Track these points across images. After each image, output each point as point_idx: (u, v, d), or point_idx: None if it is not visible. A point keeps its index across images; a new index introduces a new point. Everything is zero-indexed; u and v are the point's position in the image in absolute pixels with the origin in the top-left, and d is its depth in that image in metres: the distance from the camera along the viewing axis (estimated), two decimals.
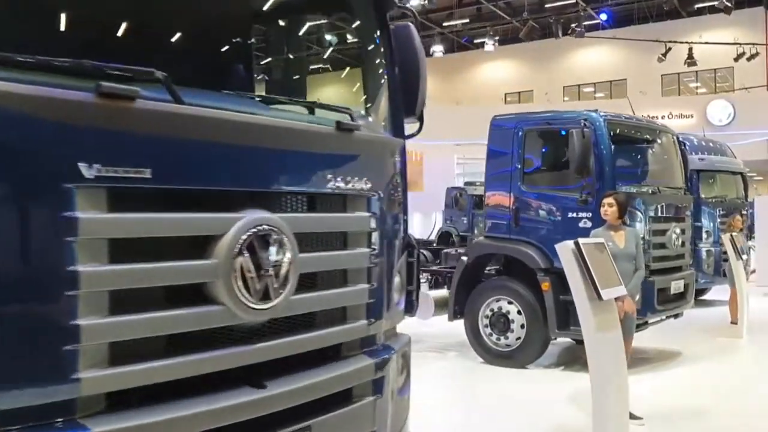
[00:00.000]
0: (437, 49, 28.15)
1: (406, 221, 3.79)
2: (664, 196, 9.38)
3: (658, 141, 10.10)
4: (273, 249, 2.65)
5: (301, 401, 2.79)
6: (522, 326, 9.09)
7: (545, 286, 8.85)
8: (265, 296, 2.62)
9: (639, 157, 10.11)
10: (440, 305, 10.00)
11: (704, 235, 15.05)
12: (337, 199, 3.13)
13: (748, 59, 26.56)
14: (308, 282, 2.94)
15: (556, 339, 9.25)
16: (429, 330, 11.32)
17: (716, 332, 11.91)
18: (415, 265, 3.84)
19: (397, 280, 3.63)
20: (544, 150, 9.38)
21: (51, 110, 2.11)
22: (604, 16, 27.95)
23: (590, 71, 40.20)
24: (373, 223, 3.31)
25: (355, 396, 3.14)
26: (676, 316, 9.91)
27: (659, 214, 9.18)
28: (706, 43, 27.71)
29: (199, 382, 2.49)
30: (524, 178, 9.28)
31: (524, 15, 25.73)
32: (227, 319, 2.56)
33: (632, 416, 6.47)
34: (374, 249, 3.30)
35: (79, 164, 2.15)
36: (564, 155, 8.76)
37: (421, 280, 10.53)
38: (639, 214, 8.82)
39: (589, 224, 8.62)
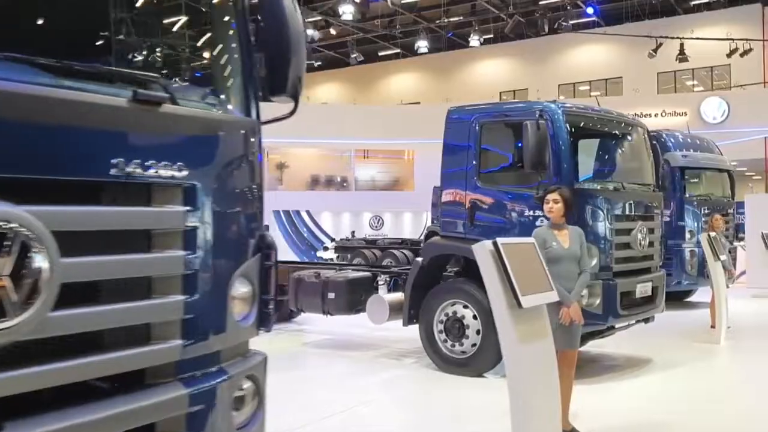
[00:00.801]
0: (422, 44, 27.39)
1: (256, 217, 3.22)
2: (629, 193, 8.78)
3: (626, 135, 9.50)
4: (12, 251, 2.08)
5: None
6: (478, 332, 8.51)
7: None
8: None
9: (603, 151, 9.51)
10: (396, 309, 9.42)
11: (687, 235, 14.47)
12: (133, 189, 2.55)
13: (742, 55, 25.92)
14: (87, 294, 2.37)
15: None
16: (388, 335, 10.79)
17: (694, 337, 11.33)
18: (273, 271, 3.26)
19: (244, 289, 3.06)
20: (501, 144, 8.79)
21: None
22: (590, 10, 27.25)
23: (586, 69, 39.59)
24: (192, 220, 2.73)
25: None
26: (646, 320, 9.31)
27: (623, 212, 8.58)
28: (698, 38, 27.06)
29: None
30: (481, 174, 8.70)
31: (510, 9, 25.08)
32: None
33: None
34: (195, 252, 2.72)
35: None
36: (521, 149, 8.17)
37: (379, 282, 10.03)
38: (600, 212, 8.22)
39: (546, 223, 8.04)
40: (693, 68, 36.90)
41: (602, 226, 8.21)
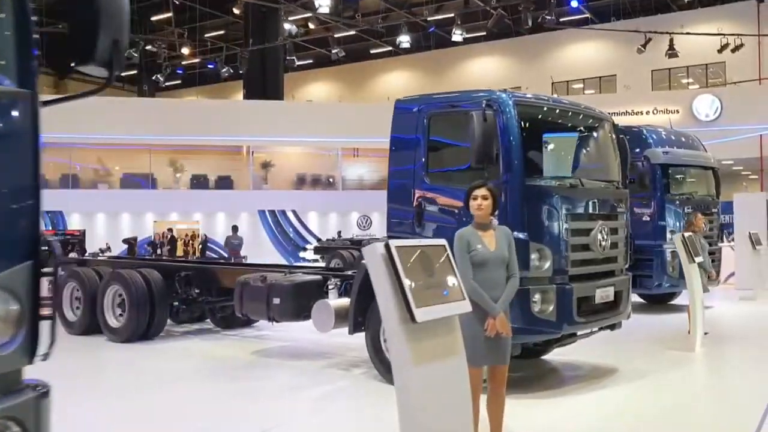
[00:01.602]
0: (405, 39, 26.66)
1: (25, 214, 2.56)
2: (588, 191, 8.09)
3: (589, 129, 8.82)
4: None
5: None
6: None
7: None
8: None
9: (561, 146, 8.81)
10: (343, 316, 8.75)
11: (669, 235, 13.77)
12: None
13: (733, 50, 25.20)
14: None
15: None
16: (348, 342, 10.05)
17: (669, 343, 10.64)
18: (53, 282, 2.60)
19: (2, 306, 2.40)
20: (450, 138, 8.11)
21: None
22: (575, 3, 26.53)
23: (580, 67, 38.97)
24: None
25: None
26: (612, 327, 8.63)
27: (582, 211, 7.90)
28: (687, 33, 26.35)
29: None
30: (429, 171, 8.03)
31: (493, 2, 24.34)
32: None
33: None
34: None
35: None
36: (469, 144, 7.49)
37: (329, 287, 9.35)
38: (554, 211, 7.55)
39: (496, 223, 7.37)
40: (688, 66, 36.29)
41: (556, 226, 7.53)
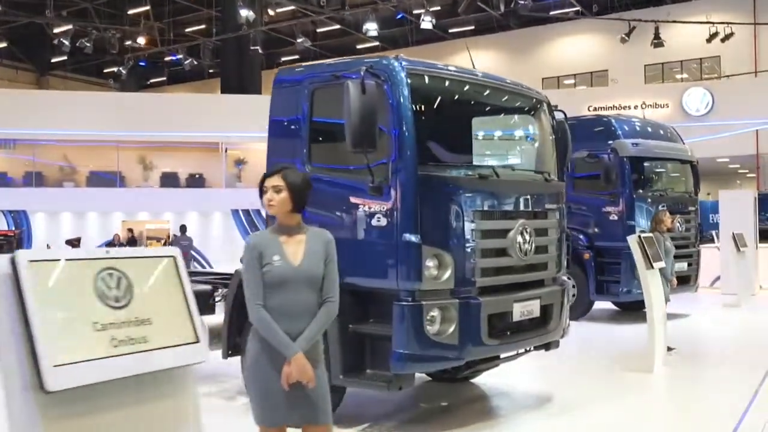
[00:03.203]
0: (372, 27, 24.93)
1: None
2: (505, 183, 6.50)
3: (514, 109, 7.24)
4: None
5: None
6: None
7: None
8: None
9: (475, 128, 7.20)
10: (219, 335, 7.18)
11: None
12: None
13: (723, 40, 23.47)
14: None
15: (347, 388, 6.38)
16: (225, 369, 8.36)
17: (628, 362, 9.03)
18: None
19: None
20: (336, 117, 6.49)
21: None
22: None
23: (571, 62, 37.29)
24: None
25: None
26: (546, 347, 7.05)
27: (495, 207, 6.30)
28: (674, 21, 24.63)
29: None
30: (312, 158, 6.45)
31: None
32: None
33: None
34: None
35: None
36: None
37: (216, 299, 7.88)
38: (456, 207, 5.97)
39: (383, 221, 5.83)
40: (682, 60, 34.57)
41: (461, 226, 5.95)
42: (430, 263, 5.78)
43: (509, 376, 8.01)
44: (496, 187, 6.36)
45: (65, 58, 37.36)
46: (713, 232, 20.44)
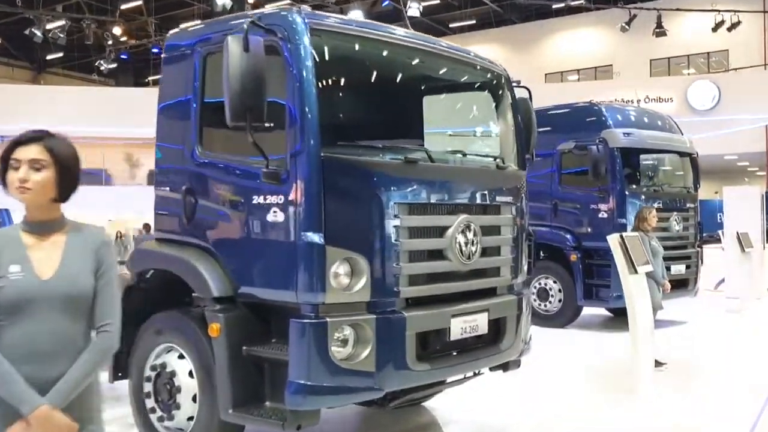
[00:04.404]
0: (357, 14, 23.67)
1: None
2: (440, 169, 5.24)
3: (456, 80, 5.97)
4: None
5: None
6: (194, 398, 5.09)
7: (214, 330, 4.83)
8: None
9: (406, 103, 5.91)
10: None
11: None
12: None
13: (729, 29, 22.02)
14: None
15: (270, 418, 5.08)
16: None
17: (611, 379, 7.78)
18: None
19: None
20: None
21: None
22: None
23: (574, 58, 35.95)
24: None
25: None
26: (504, 368, 5.80)
27: (428, 199, 5.03)
28: (677, 9, 23.19)
29: None
30: (204, 138, 5.20)
31: None
32: None
33: None
34: None
35: None
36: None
37: None
38: (373, 198, 4.71)
39: (280, 216, 4.58)
40: (688, 54, 33.16)
41: (379, 223, 4.68)
42: (338, 269, 4.53)
43: (467, 398, 6.76)
44: (430, 175, 5.09)
45: (61, 55, 36.43)
46: (720, 232, 19.12)
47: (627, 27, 22.18)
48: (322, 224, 4.48)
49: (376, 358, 4.61)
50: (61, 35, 22.73)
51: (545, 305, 11.67)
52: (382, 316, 4.67)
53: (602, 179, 10.92)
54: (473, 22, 35.61)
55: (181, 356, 5.15)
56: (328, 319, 4.48)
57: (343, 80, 5.05)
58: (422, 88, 5.90)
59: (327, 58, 4.77)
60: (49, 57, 37.96)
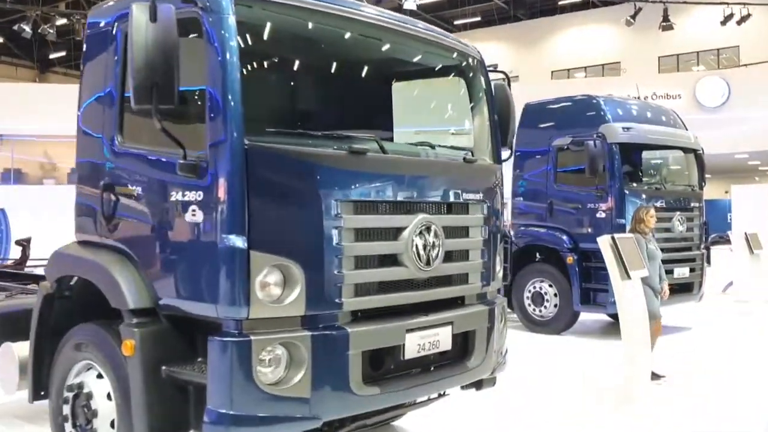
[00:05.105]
0: None
1: None
2: (394, 162, 4.53)
3: (417, 62, 5.26)
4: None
5: None
6: (111, 423, 4.39)
7: (127, 348, 4.15)
8: None
9: (356, 87, 5.20)
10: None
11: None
12: None
13: (739, 22, 21.15)
14: None
15: None
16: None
17: (606, 394, 7.01)
18: None
19: None
20: None
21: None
22: None
23: (581, 55, 35.06)
24: None
25: None
26: (477, 386, 5.13)
27: (377, 197, 4.32)
28: (684, 2, 22.33)
29: None
30: (124, 126, 4.52)
31: None
32: None
33: None
34: None
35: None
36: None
37: None
38: (314, 194, 4.01)
39: (199, 216, 3.89)
40: (698, 51, 32.23)
41: (317, 224, 3.99)
42: (266, 278, 3.83)
43: (442, 416, 6.06)
44: (381, 168, 4.39)
45: (64, 53, 35.92)
46: (730, 233, 18.36)
47: (632, 21, 21.35)
48: (246, 225, 3.78)
49: (311, 382, 3.92)
50: (51, 31, 22.10)
51: (540, 310, 10.95)
52: (319, 333, 3.97)
53: (600, 177, 10.21)
54: (478, 19, 34.80)
55: (99, 375, 4.47)
56: (252, 337, 3.79)
57: (276, 59, 4.38)
58: (379, 70, 5.20)
59: (257, 32, 4.09)
60: (52, 56, 37.45)
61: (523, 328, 11.06)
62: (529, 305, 11.03)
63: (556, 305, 10.83)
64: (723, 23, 21.46)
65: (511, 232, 10.99)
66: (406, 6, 20.30)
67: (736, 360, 9.00)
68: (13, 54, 38.50)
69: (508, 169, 11.77)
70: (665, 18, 21.17)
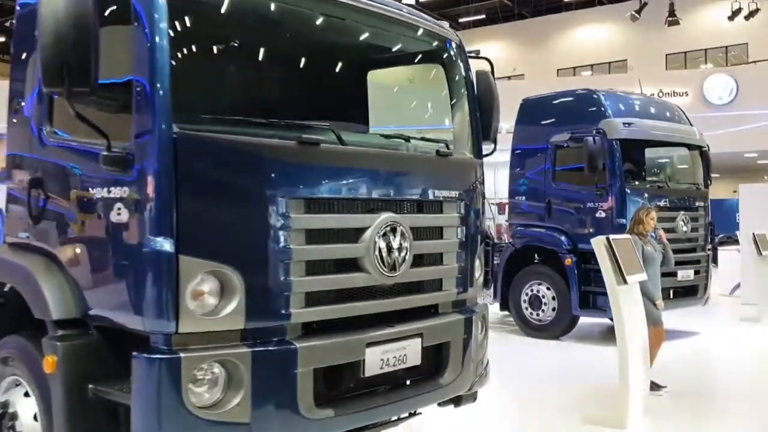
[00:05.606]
0: None
1: None
2: (354, 155, 4.01)
3: (384, 46, 4.75)
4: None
5: None
6: None
7: (48, 364, 3.64)
8: None
9: (312, 71, 4.67)
10: None
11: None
12: None
13: (747, 17, 20.51)
14: None
15: None
16: None
17: (600, 407, 6.47)
18: None
19: None
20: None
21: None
22: None
23: (587, 52, 34.45)
24: None
25: None
26: (455, 402, 4.63)
27: (333, 194, 3.81)
28: None
29: None
30: (53, 114, 4.02)
31: None
32: None
33: None
34: None
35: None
36: None
37: None
38: (256, 191, 3.51)
39: (125, 215, 3.40)
40: (706, 48, 31.55)
41: (261, 224, 3.48)
42: (200, 286, 3.33)
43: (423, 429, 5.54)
44: (339, 162, 3.86)
45: None
46: (738, 233, 17.70)
47: (637, 16, 20.76)
48: (174, 226, 3.27)
49: (252, 406, 3.40)
50: None
51: (538, 314, 10.41)
52: (261, 349, 3.46)
53: (600, 175, 9.67)
54: (482, 16, 34.26)
55: (27, 394, 3.97)
56: (182, 354, 3.28)
57: (218, 38, 3.85)
58: (341, 55, 4.68)
59: (194, 8, 3.56)
60: None
61: (520, 332, 10.52)
62: (527, 309, 10.49)
63: (554, 309, 10.30)
64: (731, 18, 20.80)
65: (504, 233, 10.48)
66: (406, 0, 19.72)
67: (743, 366, 8.44)
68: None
69: (505, 169, 11.31)
70: (671, 13, 20.53)
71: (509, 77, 32.35)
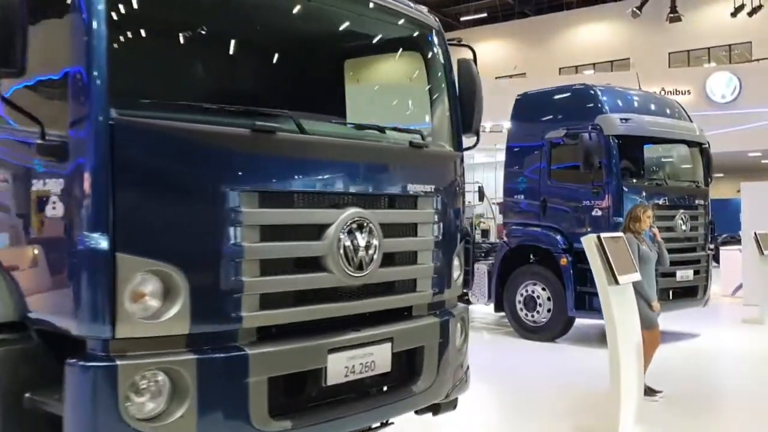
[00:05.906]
0: None
1: None
2: (315, 144, 3.70)
3: (354, 31, 4.45)
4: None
5: None
6: None
7: None
8: None
9: (270, 58, 4.36)
10: None
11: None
12: None
13: (750, 14, 20.14)
14: None
15: None
16: None
17: (591, 414, 6.15)
18: None
19: None
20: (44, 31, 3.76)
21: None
22: None
23: (590, 51, 34.05)
24: None
25: None
26: (434, 411, 4.32)
27: (291, 187, 3.51)
28: None
29: None
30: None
31: None
32: None
33: None
34: None
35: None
36: None
37: None
38: (203, 185, 3.20)
39: (60, 210, 3.10)
40: (709, 47, 31.15)
41: (210, 220, 3.17)
42: (139, 288, 3.02)
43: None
44: (298, 152, 3.55)
45: None
46: (741, 232, 17.36)
47: (638, 12, 20.39)
48: (110, 221, 2.97)
49: (197, 418, 3.09)
50: None
51: (533, 315, 10.08)
52: (208, 356, 3.15)
53: (596, 172, 9.35)
54: (484, 15, 33.93)
55: None
56: (119, 362, 2.98)
57: (162, 16, 3.53)
58: (308, 40, 4.36)
59: None
60: None
61: (514, 334, 10.20)
62: (521, 310, 10.17)
63: (549, 310, 9.97)
64: (734, 14, 20.42)
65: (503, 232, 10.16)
66: None
67: (742, 375, 8.10)
68: None
69: (502, 167, 10.97)
70: (672, 9, 20.17)
71: (511, 76, 31.99)
